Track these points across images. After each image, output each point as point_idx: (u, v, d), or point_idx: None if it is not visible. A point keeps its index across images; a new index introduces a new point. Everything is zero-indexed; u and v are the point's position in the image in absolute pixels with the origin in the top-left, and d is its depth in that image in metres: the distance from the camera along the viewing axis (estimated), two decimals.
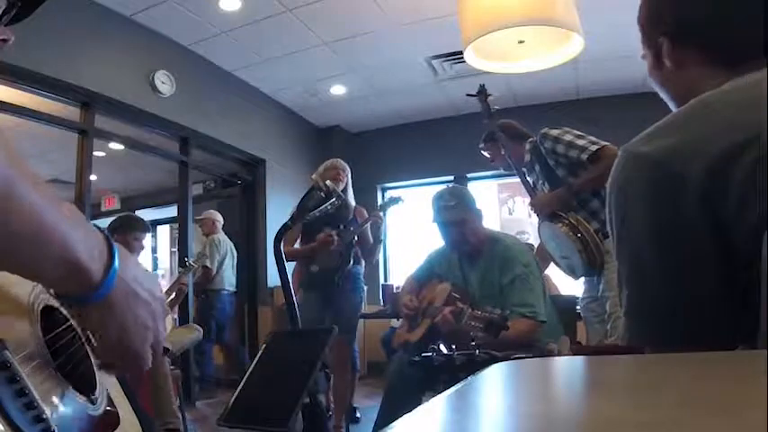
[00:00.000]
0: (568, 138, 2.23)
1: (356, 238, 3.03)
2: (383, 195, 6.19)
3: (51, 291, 0.61)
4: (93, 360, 0.65)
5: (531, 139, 2.45)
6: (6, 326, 0.53)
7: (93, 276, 0.45)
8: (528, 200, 2.50)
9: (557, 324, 2.19)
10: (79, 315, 0.55)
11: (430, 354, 1.02)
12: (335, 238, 2.91)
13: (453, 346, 1.07)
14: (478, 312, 1.77)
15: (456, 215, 2.19)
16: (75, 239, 0.43)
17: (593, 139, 2.20)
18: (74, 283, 0.45)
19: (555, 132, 2.28)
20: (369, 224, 3.10)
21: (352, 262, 3.02)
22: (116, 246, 0.48)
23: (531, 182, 2.49)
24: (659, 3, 0.86)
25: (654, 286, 0.68)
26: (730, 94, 0.67)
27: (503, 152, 2.51)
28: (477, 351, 0.98)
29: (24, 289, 0.59)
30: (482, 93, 2.50)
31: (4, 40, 0.59)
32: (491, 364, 0.98)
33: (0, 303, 0.55)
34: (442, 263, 2.38)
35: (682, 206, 0.63)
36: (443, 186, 2.35)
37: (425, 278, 2.44)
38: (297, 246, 3.16)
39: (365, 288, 3.26)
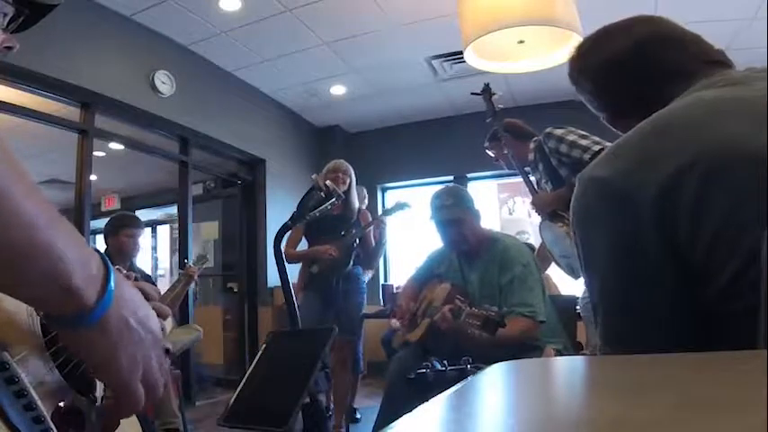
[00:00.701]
0: (572, 137, 2.23)
1: (357, 240, 3.03)
2: (383, 195, 6.19)
3: (40, 313, 0.57)
4: None
5: (535, 138, 2.45)
6: (5, 326, 0.53)
7: (86, 299, 0.42)
8: (529, 199, 2.50)
9: (556, 324, 2.19)
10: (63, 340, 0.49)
11: (424, 370, 1.03)
12: (334, 253, 2.93)
13: (445, 362, 1.08)
14: (476, 310, 1.78)
15: (452, 214, 2.20)
16: (69, 257, 0.40)
17: (597, 139, 2.20)
18: (64, 305, 0.42)
19: (559, 132, 2.28)
20: (371, 228, 3.10)
21: (351, 263, 3.03)
22: (113, 269, 0.45)
23: (534, 181, 2.49)
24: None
25: (619, 310, 0.69)
26: (677, 117, 0.70)
27: (506, 151, 2.52)
28: (468, 366, 0.98)
29: None
30: (487, 91, 2.50)
31: (9, 48, 0.59)
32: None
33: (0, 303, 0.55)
34: (442, 263, 2.38)
35: (637, 228, 0.64)
36: (437, 189, 2.35)
37: (425, 279, 2.44)
38: (300, 246, 3.17)
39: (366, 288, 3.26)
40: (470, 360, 0.96)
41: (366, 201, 3.62)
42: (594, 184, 0.71)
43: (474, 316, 1.77)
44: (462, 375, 0.99)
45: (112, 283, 0.44)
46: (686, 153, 0.62)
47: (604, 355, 0.72)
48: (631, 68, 0.88)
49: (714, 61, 0.82)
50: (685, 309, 0.64)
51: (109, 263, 0.45)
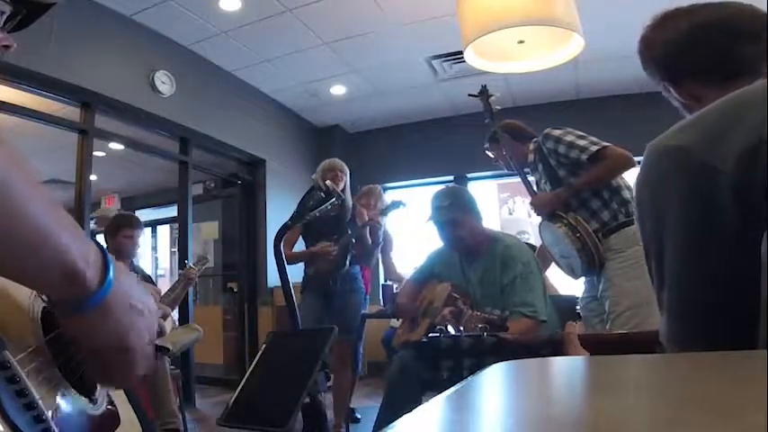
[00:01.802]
0: (570, 138, 2.23)
1: (354, 240, 3.03)
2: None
3: (45, 298, 0.60)
4: None
5: (535, 139, 2.45)
6: (7, 326, 0.53)
7: (89, 282, 0.45)
8: (529, 201, 2.50)
9: (556, 324, 2.19)
10: (65, 326, 0.52)
11: (438, 334, 1.01)
12: (334, 249, 2.93)
13: (461, 328, 1.07)
14: (478, 314, 1.78)
15: (448, 215, 2.21)
16: (70, 245, 0.43)
17: (595, 139, 2.20)
18: (69, 289, 0.44)
19: (557, 133, 2.28)
20: (368, 227, 3.10)
21: (348, 263, 3.02)
22: (110, 256, 0.48)
23: (534, 182, 2.49)
24: (645, 53, 0.94)
25: (693, 284, 0.66)
26: (753, 93, 0.68)
27: (504, 152, 2.52)
28: (485, 333, 0.98)
29: (25, 289, 0.59)
30: (484, 93, 2.50)
31: (7, 47, 0.59)
32: (498, 347, 0.98)
33: (1, 303, 0.55)
34: (443, 263, 2.38)
35: (717, 200, 0.62)
36: (442, 186, 2.36)
37: (425, 279, 2.44)
38: (297, 246, 3.17)
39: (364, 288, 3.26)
40: (487, 328, 0.96)
41: (382, 201, 3.59)
42: (670, 152, 0.67)
43: (475, 319, 1.76)
44: (478, 343, 0.98)
45: (111, 270, 0.47)
46: (764, 127, 0.60)
47: (667, 336, 0.69)
48: (702, 51, 0.85)
49: None
50: (757, 296, 0.60)
51: (105, 251, 0.48)
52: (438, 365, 0.96)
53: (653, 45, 0.93)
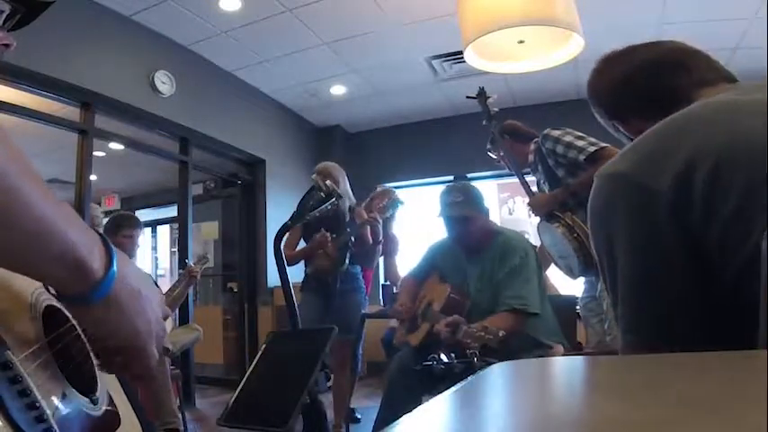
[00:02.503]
0: (568, 138, 2.24)
1: (353, 239, 3.03)
2: None
3: (52, 290, 0.61)
4: (94, 360, 0.65)
5: (535, 140, 2.45)
6: (9, 326, 0.53)
7: (95, 273, 0.46)
8: (527, 201, 2.51)
9: (555, 325, 2.19)
10: (78, 319, 0.54)
11: (431, 363, 1.03)
12: (329, 238, 2.93)
13: (453, 355, 1.08)
14: (474, 331, 1.76)
15: (461, 211, 2.21)
16: (76, 239, 0.44)
17: (594, 140, 2.20)
18: (76, 281, 0.45)
19: (556, 133, 2.29)
20: (367, 226, 3.10)
21: (347, 263, 3.02)
22: (114, 247, 0.49)
23: (535, 182, 2.49)
24: (593, 98, 1.03)
25: (642, 299, 0.71)
26: (688, 117, 0.73)
27: (502, 153, 2.52)
28: (476, 359, 0.99)
29: (26, 289, 0.60)
30: (482, 95, 2.49)
31: (6, 45, 0.59)
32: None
33: (2, 304, 0.55)
34: (444, 256, 2.38)
35: (655, 218, 0.67)
36: (448, 184, 2.36)
37: (426, 273, 2.44)
38: (299, 247, 3.17)
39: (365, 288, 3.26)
40: (477, 353, 0.97)
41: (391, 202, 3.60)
42: (612, 178, 0.74)
43: (471, 337, 1.75)
44: (469, 369, 1.00)
45: (115, 261, 0.48)
46: (699, 145, 0.65)
47: (623, 350, 0.73)
48: (639, 90, 0.93)
49: (723, 78, 0.87)
50: (698, 302, 0.66)
51: (108, 242, 0.49)
52: (434, 388, 0.97)
53: (597, 90, 1.01)
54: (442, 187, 2.39)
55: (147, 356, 0.53)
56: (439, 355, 0.98)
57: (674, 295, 0.67)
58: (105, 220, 3.24)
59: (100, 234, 0.49)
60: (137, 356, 0.53)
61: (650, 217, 0.67)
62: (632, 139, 0.95)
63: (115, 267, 0.48)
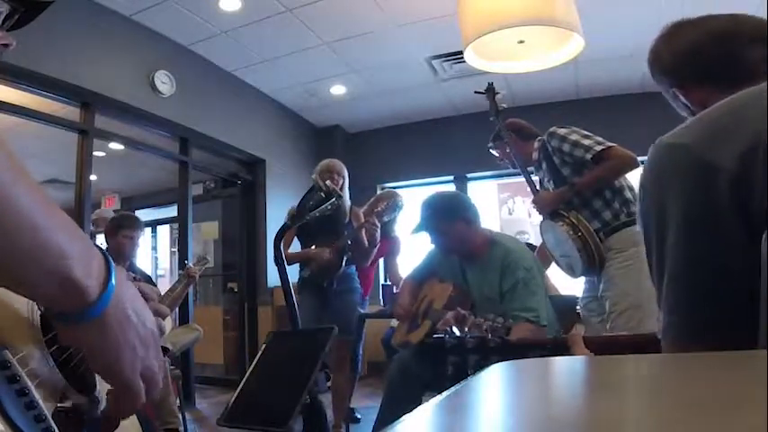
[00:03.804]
0: (575, 137, 2.23)
1: (349, 242, 3.03)
2: None
3: (42, 308, 0.58)
4: None
5: (539, 138, 2.45)
6: (7, 325, 0.53)
7: (88, 294, 0.43)
8: (530, 199, 2.50)
9: (556, 326, 2.19)
10: (63, 337, 0.48)
11: (442, 335, 1.03)
12: (327, 254, 2.94)
13: (466, 329, 1.08)
14: (481, 321, 1.76)
15: (427, 226, 2.23)
16: (71, 252, 0.41)
17: (600, 139, 2.20)
18: (68, 299, 0.42)
19: (562, 131, 2.28)
20: (363, 229, 3.09)
21: (344, 264, 3.02)
22: (114, 265, 0.46)
23: (537, 180, 2.49)
24: (656, 63, 0.99)
25: (692, 279, 0.67)
26: (756, 94, 0.69)
27: (508, 150, 2.52)
28: (490, 335, 0.99)
29: None
30: (490, 91, 2.49)
31: (6, 45, 0.59)
32: (502, 348, 0.98)
33: (0, 303, 0.55)
34: (442, 262, 2.37)
35: (714, 195, 0.63)
36: (440, 188, 2.36)
37: (425, 276, 2.44)
38: (294, 247, 3.17)
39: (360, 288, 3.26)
40: (494, 327, 0.97)
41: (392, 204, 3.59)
42: (672, 149, 0.70)
43: (479, 327, 1.75)
44: (482, 344, 0.99)
45: (113, 279, 0.45)
46: (765, 127, 0.62)
47: (665, 333, 0.69)
48: (708, 59, 0.90)
49: None
50: (751, 289, 0.62)
51: (110, 259, 0.46)
52: (443, 361, 0.97)
53: (662, 55, 0.97)
54: (442, 187, 2.39)
55: (130, 389, 0.48)
56: (451, 328, 0.98)
57: (727, 278, 0.64)
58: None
59: (101, 250, 0.46)
60: (118, 387, 0.49)
61: (710, 193, 0.63)
62: (692, 110, 0.93)
63: (112, 285, 0.45)
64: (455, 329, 0.99)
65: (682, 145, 0.68)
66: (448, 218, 2.20)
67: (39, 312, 0.59)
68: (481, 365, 1.02)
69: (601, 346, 0.96)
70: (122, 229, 2.95)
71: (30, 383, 0.49)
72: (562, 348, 0.97)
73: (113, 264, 0.46)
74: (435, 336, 1.04)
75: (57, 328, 0.46)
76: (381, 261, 4.36)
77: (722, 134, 0.66)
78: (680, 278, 0.68)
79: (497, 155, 2.67)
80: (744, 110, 0.67)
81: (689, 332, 0.68)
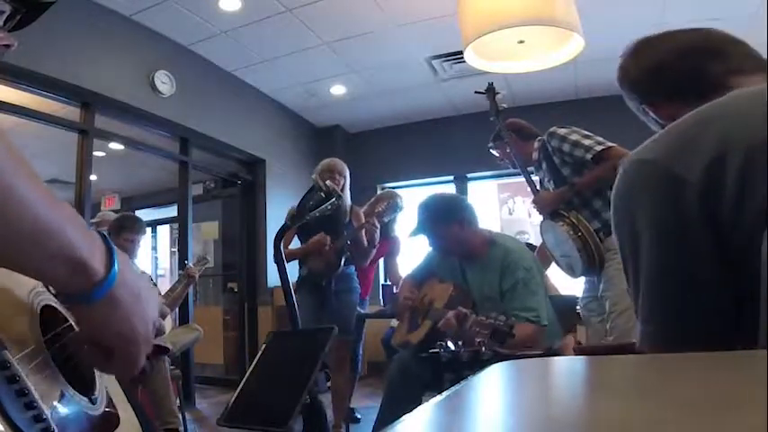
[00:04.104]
0: (575, 137, 2.24)
1: (348, 242, 3.03)
2: None
3: (52, 290, 0.61)
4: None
5: (539, 138, 2.45)
6: (6, 325, 0.53)
7: (96, 272, 0.45)
8: (530, 199, 2.50)
9: (556, 326, 2.19)
10: (77, 318, 0.53)
11: (437, 350, 1.03)
12: (328, 241, 2.93)
13: (460, 343, 1.08)
14: (483, 319, 1.75)
15: (421, 229, 2.24)
16: (75, 237, 0.43)
17: (600, 139, 2.20)
18: (77, 280, 0.44)
19: (562, 131, 2.29)
20: (363, 229, 3.09)
21: (342, 264, 3.02)
22: (114, 247, 0.48)
23: (537, 180, 2.49)
24: (624, 80, 1.00)
25: (665, 290, 0.70)
26: (723, 106, 0.72)
27: (508, 151, 2.52)
28: (484, 348, 0.99)
29: (24, 288, 0.59)
30: (491, 91, 2.50)
31: (8, 46, 0.59)
32: (497, 360, 0.99)
33: (0, 303, 0.55)
34: (442, 262, 2.37)
35: (683, 208, 0.65)
36: (440, 189, 2.36)
37: (425, 276, 2.44)
38: (293, 246, 3.17)
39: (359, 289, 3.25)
40: (485, 342, 0.97)
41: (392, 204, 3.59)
42: (641, 166, 0.72)
43: (481, 325, 1.73)
44: (476, 358, 1.00)
45: (116, 260, 0.47)
46: (733, 135, 0.64)
47: (641, 342, 0.71)
48: (674, 75, 0.92)
49: (761, 67, 0.86)
50: (723, 296, 0.64)
51: (110, 242, 0.48)
52: (440, 377, 0.98)
53: (630, 72, 0.99)
54: (442, 187, 2.39)
55: (137, 359, 0.52)
56: (446, 343, 0.98)
57: (698, 287, 0.66)
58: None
59: (101, 233, 0.48)
60: (127, 358, 0.52)
61: (679, 206, 0.65)
62: (662, 125, 0.94)
63: (116, 267, 0.47)
64: (450, 344, 0.99)
65: (649, 160, 0.71)
66: (443, 221, 2.20)
67: (39, 312, 0.60)
68: None
69: (592, 355, 0.97)
70: (125, 232, 2.95)
71: (29, 384, 0.49)
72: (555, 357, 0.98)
73: (115, 247, 0.48)
74: (431, 350, 1.05)
75: (71, 311, 0.49)
76: (381, 261, 4.36)
77: (688, 146, 0.68)
78: (653, 289, 0.71)
79: (497, 155, 2.67)
80: (709, 121, 0.69)
81: (663, 340, 0.70)
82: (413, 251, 3.99)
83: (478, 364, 1.01)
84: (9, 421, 0.45)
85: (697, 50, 0.90)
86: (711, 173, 0.63)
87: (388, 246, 3.80)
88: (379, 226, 3.15)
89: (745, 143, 0.62)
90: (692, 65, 0.89)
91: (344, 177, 3.07)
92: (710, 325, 0.66)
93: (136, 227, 3.03)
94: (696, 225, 0.64)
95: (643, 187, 0.71)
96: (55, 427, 0.50)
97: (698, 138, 0.67)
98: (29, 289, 0.60)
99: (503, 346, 1.65)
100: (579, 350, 0.97)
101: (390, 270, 4.22)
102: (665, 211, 0.68)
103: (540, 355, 1.05)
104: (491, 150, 2.69)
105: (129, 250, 2.97)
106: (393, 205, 3.40)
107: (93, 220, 4.06)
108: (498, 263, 2.15)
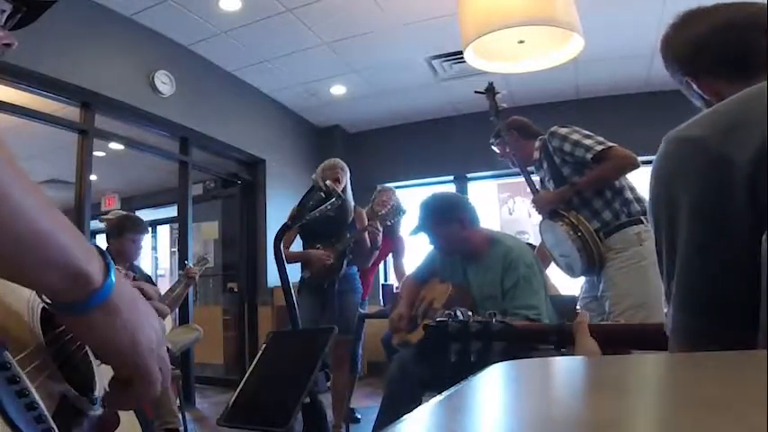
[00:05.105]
0: (576, 137, 2.24)
1: (351, 245, 3.03)
2: None
3: (47, 300, 0.59)
4: (92, 360, 0.65)
5: (540, 137, 2.45)
6: (6, 326, 0.53)
7: (92, 280, 0.44)
8: (530, 199, 2.50)
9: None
10: (72, 330, 0.50)
11: (446, 319, 1.02)
12: (329, 259, 2.94)
13: (470, 313, 1.07)
14: (480, 320, 1.76)
15: (420, 228, 2.26)
16: (71, 245, 0.43)
17: (601, 139, 2.20)
18: (72, 289, 0.43)
19: (563, 131, 2.29)
20: (366, 232, 3.10)
21: (345, 266, 3.02)
22: (111, 261, 0.47)
23: (538, 180, 2.49)
24: (668, 52, 0.96)
25: (702, 275, 0.66)
26: None
27: (508, 150, 2.52)
28: (494, 320, 0.98)
29: (24, 289, 0.59)
30: (490, 90, 2.49)
31: (8, 45, 0.59)
32: (506, 333, 0.97)
33: (0, 303, 0.55)
34: (444, 261, 2.38)
35: (729, 190, 0.62)
36: (440, 189, 2.37)
37: (426, 276, 2.44)
38: (296, 246, 3.17)
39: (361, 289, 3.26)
40: (495, 313, 0.96)
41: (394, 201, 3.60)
42: (685, 142, 0.68)
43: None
44: (485, 328, 0.98)
45: (113, 270, 0.46)
46: None
47: (673, 330, 0.68)
48: (719, 48, 0.88)
49: None
50: (765, 290, 0.60)
51: (105, 253, 0.47)
52: (446, 348, 0.96)
53: (674, 44, 0.96)
54: (442, 187, 2.40)
55: (150, 375, 0.49)
56: (455, 312, 0.97)
57: (736, 277, 0.62)
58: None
59: (96, 246, 0.47)
60: (139, 377, 0.49)
61: (724, 188, 0.62)
62: (706, 100, 0.92)
63: (113, 277, 0.46)
64: (459, 313, 0.98)
65: (695, 137, 0.67)
66: (443, 220, 2.21)
67: (39, 313, 0.60)
68: (484, 353, 1.01)
69: (605, 335, 0.94)
70: (129, 233, 2.96)
71: (30, 384, 0.49)
72: (567, 336, 0.96)
73: (110, 258, 0.47)
74: (438, 319, 1.03)
75: (66, 323, 0.48)
76: (383, 263, 4.36)
77: (737, 127, 0.64)
78: (690, 275, 0.66)
79: (498, 152, 2.67)
80: (758, 103, 0.65)
81: (697, 332, 0.66)
82: (416, 250, 3.99)
83: (487, 335, 0.99)
84: (10, 422, 0.45)
85: (745, 25, 0.87)
86: (761, 156, 0.60)
87: (391, 246, 3.80)
88: (381, 229, 3.15)
89: None
90: (739, 39, 0.86)
91: (345, 177, 3.07)
92: (745, 318, 0.61)
93: (140, 227, 3.04)
94: (742, 208, 0.61)
95: (687, 166, 0.67)
96: (56, 428, 0.50)
97: (749, 119, 0.64)
98: (29, 290, 0.60)
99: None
100: (594, 328, 0.94)
101: (397, 270, 4.22)
102: (708, 191, 0.64)
103: (551, 332, 1.03)
104: (492, 147, 2.69)
105: (133, 250, 2.98)
106: (396, 208, 3.40)
107: (104, 217, 4.08)
108: (500, 261, 2.15)
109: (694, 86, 0.93)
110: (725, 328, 0.63)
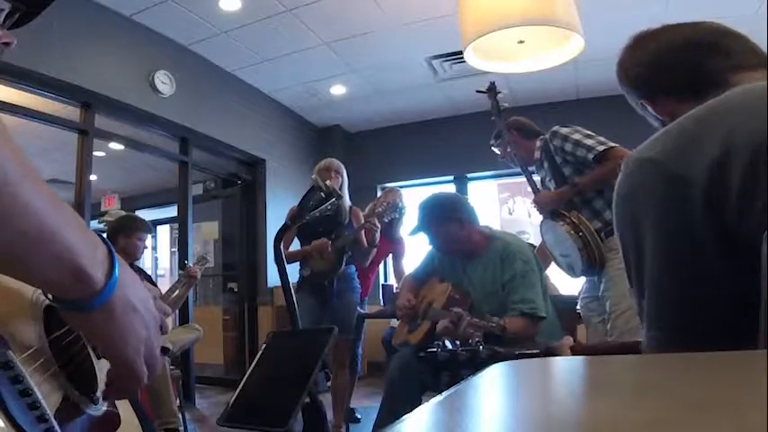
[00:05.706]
0: (577, 137, 2.24)
1: (350, 242, 3.03)
2: None
3: (50, 296, 0.60)
4: (94, 360, 0.65)
5: (542, 137, 2.45)
6: (10, 325, 0.53)
7: (96, 281, 0.44)
8: (530, 199, 2.50)
9: (556, 324, 2.19)
10: (73, 326, 0.52)
11: (435, 349, 1.04)
12: (329, 245, 2.94)
13: (457, 342, 1.09)
14: (477, 321, 1.78)
15: (419, 229, 2.26)
16: (77, 243, 0.42)
17: (602, 139, 2.20)
18: (76, 288, 0.43)
19: (565, 131, 2.29)
20: (363, 230, 3.09)
21: (343, 264, 3.02)
22: (116, 255, 0.47)
23: (539, 179, 2.49)
24: (623, 76, 0.98)
25: (671, 292, 0.68)
26: (725, 103, 0.70)
27: (509, 149, 2.52)
28: (481, 347, 1.00)
29: (27, 289, 0.60)
30: (492, 90, 2.50)
31: (7, 44, 0.59)
32: (494, 359, 0.99)
33: (3, 303, 0.55)
34: (444, 261, 2.38)
35: (687, 208, 0.64)
36: (440, 189, 2.37)
37: (426, 276, 2.44)
38: (293, 247, 3.17)
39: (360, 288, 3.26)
40: (482, 342, 0.98)
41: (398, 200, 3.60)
42: (642, 164, 0.70)
43: (475, 327, 1.77)
44: (474, 357, 1.01)
45: (117, 268, 0.46)
46: (737, 134, 0.63)
47: (647, 347, 0.70)
48: (672, 70, 0.90)
49: (762, 63, 0.84)
50: (729, 299, 0.63)
51: (112, 248, 0.47)
52: (437, 376, 0.99)
53: (627, 68, 0.97)
54: (442, 187, 2.40)
55: (134, 374, 0.50)
56: (443, 342, 0.98)
57: (704, 290, 0.64)
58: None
59: (104, 240, 0.47)
60: (124, 373, 0.50)
61: (683, 206, 0.64)
62: (661, 121, 0.93)
63: (117, 274, 0.46)
64: (447, 344, 1.00)
65: (651, 159, 0.69)
66: (441, 220, 2.22)
67: (42, 312, 0.60)
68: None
69: (589, 354, 0.97)
70: (137, 232, 2.96)
71: (32, 384, 0.49)
72: (552, 356, 0.98)
73: (116, 253, 0.47)
74: (428, 350, 1.06)
75: (65, 316, 0.48)
76: (382, 263, 4.36)
77: (691, 145, 0.66)
78: (659, 292, 0.69)
79: (499, 152, 2.67)
80: (712, 119, 0.68)
81: (669, 345, 0.69)
82: (416, 251, 3.99)
83: (476, 363, 1.01)
84: (13, 422, 0.45)
85: (695, 45, 0.88)
86: (715, 172, 0.62)
87: (390, 247, 3.80)
88: (379, 226, 3.15)
89: (750, 141, 0.61)
90: (691, 59, 0.87)
91: (341, 177, 3.07)
92: (717, 329, 0.64)
93: (146, 227, 3.04)
94: (700, 225, 0.63)
95: (645, 186, 0.69)
96: (58, 428, 0.50)
97: (701, 136, 0.66)
98: (33, 289, 0.60)
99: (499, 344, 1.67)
100: (578, 350, 0.97)
101: (397, 272, 4.23)
102: (667, 210, 0.66)
103: (537, 355, 1.05)
104: (493, 148, 2.69)
105: (139, 249, 2.98)
106: (393, 205, 3.40)
107: (103, 219, 4.09)
108: (497, 256, 2.17)
109: (649, 108, 0.94)
110: (697, 342, 0.65)
